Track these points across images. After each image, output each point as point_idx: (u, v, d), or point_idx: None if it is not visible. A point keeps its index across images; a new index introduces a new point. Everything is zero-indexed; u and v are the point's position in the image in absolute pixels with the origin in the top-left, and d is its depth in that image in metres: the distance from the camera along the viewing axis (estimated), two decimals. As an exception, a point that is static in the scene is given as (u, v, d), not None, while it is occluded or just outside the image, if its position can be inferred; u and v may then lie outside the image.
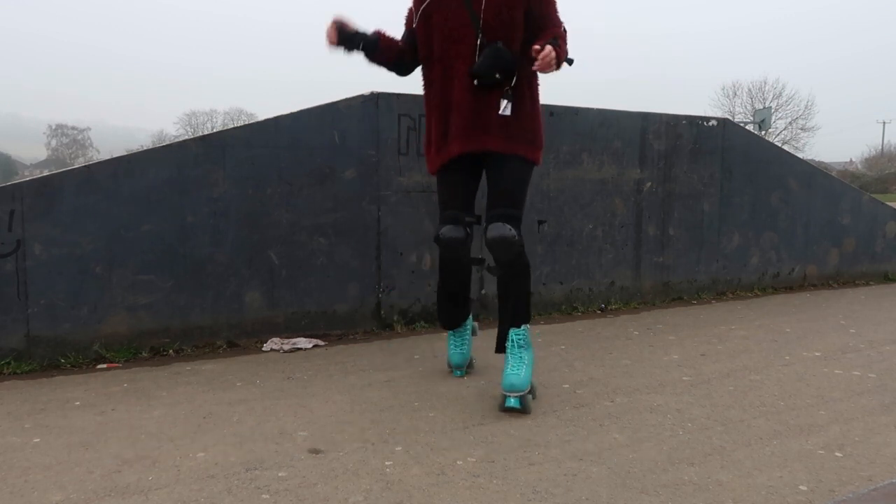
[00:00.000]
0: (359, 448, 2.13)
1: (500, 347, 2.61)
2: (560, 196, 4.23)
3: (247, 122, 4.07)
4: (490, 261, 2.63)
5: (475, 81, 2.47)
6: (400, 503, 1.79)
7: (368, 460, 2.04)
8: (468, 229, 2.63)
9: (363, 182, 3.61)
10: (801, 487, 1.89)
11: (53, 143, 74.83)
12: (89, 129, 78.07)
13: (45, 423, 2.33)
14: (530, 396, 2.49)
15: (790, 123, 43.91)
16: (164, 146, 3.37)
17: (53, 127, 75.48)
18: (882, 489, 1.88)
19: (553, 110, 4.15)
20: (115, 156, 3.39)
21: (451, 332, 2.92)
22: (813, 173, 5.43)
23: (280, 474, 1.94)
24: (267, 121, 3.45)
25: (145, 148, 4.01)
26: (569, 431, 2.29)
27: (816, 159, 37.74)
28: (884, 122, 54.10)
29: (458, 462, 2.04)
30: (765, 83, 44.95)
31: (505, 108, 2.48)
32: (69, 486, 1.86)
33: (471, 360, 2.96)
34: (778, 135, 41.75)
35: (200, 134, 3.51)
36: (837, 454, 2.12)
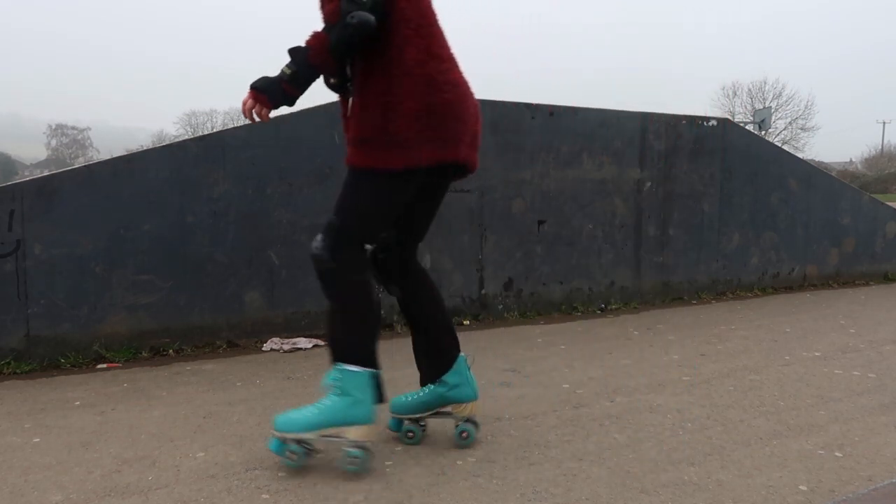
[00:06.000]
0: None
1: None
2: (560, 196, 4.23)
3: (247, 122, 4.06)
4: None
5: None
6: (400, 503, 1.78)
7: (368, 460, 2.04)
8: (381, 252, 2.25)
9: (363, 182, 3.60)
10: (801, 487, 1.89)
11: (53, 143, 74.88)
12: (89, 129, 78.07)
13: (45, 423, 2.33)
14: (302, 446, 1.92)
15: (790, 123, 43.96)
16: (164, 146, 3.37)
17: (53, 127, 75.52)
18: (882, 489, 1.88)
19: (553, 110, 4.16)
20: (115, 156, 3.39)
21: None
22: (813, 173, 5.43)
23: (280, 474, 1.94)
24: (267, 121, 3.45)
25: (145, 148, 4.00)
26: (569, 431, 2.29)
27: (816, 159, 37.74)
28: (884, 122, 54.13)
29: (458, 462, 2.04)
30: (765, 83, 44.99)
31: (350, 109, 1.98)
32: (69, 486, 1.86)
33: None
34: (778, 135, 41.77)
35: (200, 134, 3.51)
36: (837, 454, 2.12)
